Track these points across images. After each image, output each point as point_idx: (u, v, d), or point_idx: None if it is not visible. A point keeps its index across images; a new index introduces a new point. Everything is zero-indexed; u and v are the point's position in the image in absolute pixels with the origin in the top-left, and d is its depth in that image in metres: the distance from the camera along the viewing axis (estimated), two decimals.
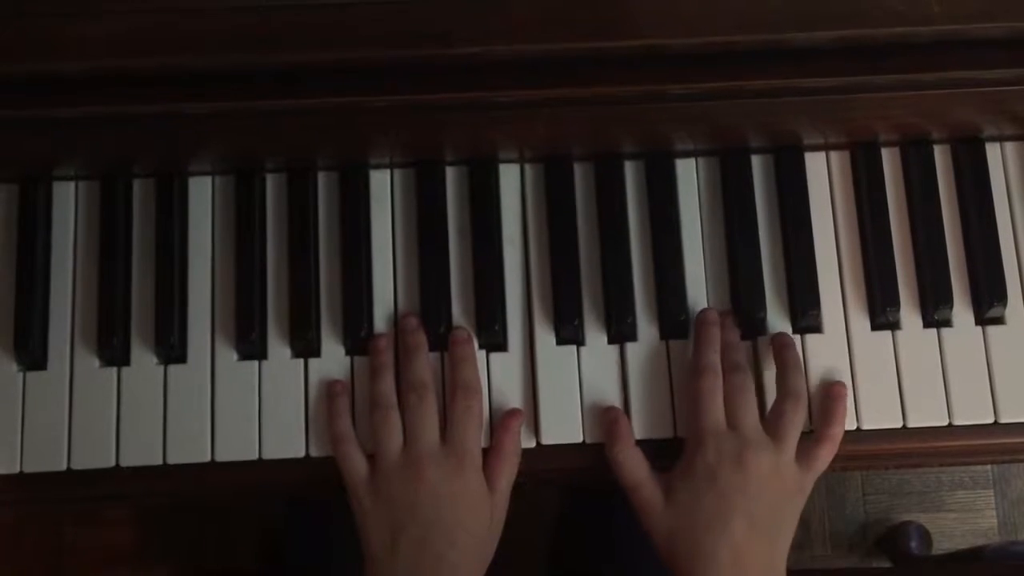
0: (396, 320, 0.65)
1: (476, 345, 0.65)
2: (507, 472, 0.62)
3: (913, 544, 1.29)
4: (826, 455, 0.62)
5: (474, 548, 0.60)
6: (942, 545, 1.32)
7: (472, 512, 0.60)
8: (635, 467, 0.61)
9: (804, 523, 1.28)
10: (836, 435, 0.62)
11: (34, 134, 0.61)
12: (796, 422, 0.61)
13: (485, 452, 0.62)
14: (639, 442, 0.63)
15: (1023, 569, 1.04)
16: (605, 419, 0.63)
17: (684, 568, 0.59)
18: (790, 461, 0.61)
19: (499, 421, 0.63)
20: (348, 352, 0.65)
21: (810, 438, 0.62)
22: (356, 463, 0.61)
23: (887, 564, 1.30)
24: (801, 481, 0.61)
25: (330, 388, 0.63)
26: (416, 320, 0.64)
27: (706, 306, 0.65)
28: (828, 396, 0.63)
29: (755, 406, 0.61)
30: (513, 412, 0.63)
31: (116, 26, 0.56)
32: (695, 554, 0.58)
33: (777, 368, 0.63)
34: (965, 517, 1.34)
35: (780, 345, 0.64)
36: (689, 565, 0.58)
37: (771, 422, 0.61)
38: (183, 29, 0.56)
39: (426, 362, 0.63)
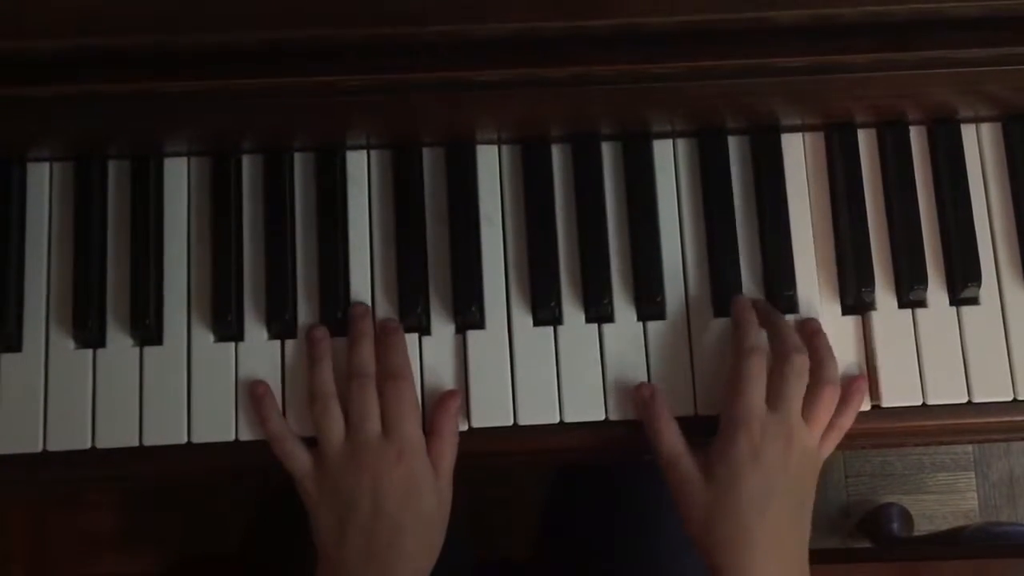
0: (373, 301, 0.65)
1: (455, 328, 0.65)
2: (448, 454, 0.62)
3: (895, 526, 1.30)
4: (835, 440, 0.63)
5: (424, 533, 0.61)
6: (923, 527, 1.33)
7: (418, 498, 0.60)
8: (673, 441, 0.61)
9: None
10: (846, 425, 0.63)
11: (5, 115, 0.60)
12: (830, 408, 0.62)
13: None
14: (617, 423, 0.64)
15: (1002, 549, 1.05)
16: (640, 394, 0.63)
17: (721, 546, 0.58)
18: (816, 444, 0.62)
19: (436, 403, 0.63)
20: None
21: None
22: (299, 459, 0.61)
23: (869, 545, 1.31)
24: (816, 466, 0.62)
25: (253, 391, 0.63)
26: (363, 307, 0.64)
27: (683, 288, 0.66)
28: (848, 387, 0.63)
29: (804, 390, 0.61)
30: (450, 393, 0.63)
31: (91, 3, 0.56)
32: (735, 531, 0.58)
33: (811, 355, 0.63)
34: (946, 499, 1.35)
35: (812, 332, 0.64)
36: (727, 544, 0.58)
37: (808, 407, 0.61)
38: (155, 7, 0.56)
39: (371, 350, 0.63)
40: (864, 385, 0.64)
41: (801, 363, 0.61)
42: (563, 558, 0.80)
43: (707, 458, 0.60)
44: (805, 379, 0.61)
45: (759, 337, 0.62)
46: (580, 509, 0.81)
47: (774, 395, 0.60)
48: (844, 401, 0.63)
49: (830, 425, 0.62)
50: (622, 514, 0.78)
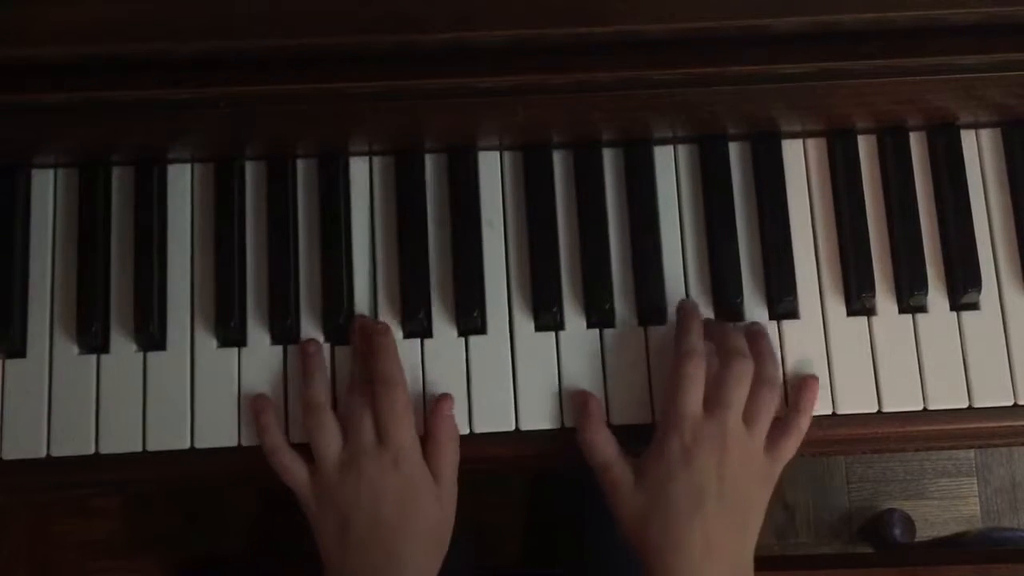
0: (375, 307, 0.66)
1: (456, 333, 0.65)
2: (447, 458, 0.62)
3: (896, 531, 1.30)
4: (792, 445, 0.62)
5: (426, 540, 0.60)
6: (925, 532, 1.33)
7: (417, 505, 0.60)
8: (604, 447, 0.61)
9: (788, 510, 1.28)
10: (803, 425, 0.62)
11: (10, 121, 0.60)
12: (770, 410, 0.61)
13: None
14: (617, 428, 0.64)
15: (1003, 554, 1.05)
16: (576, 401, 0.63)
17: (654, 550, 0.58)
18: (760, 448, 0.61)
19: (430, 408, 0.63)
20: (326, 339, 0.65)
21: (777, 427, 0.62)
22: (295, 472, 0.61)
23: (870, 551, 1.31)
24: (768, 470, 0.61)
25: (254, 404, 0.63)
26: (367, 320, 0.64)
27: (684, 293, 0.66)
28: (800, 386, 0.63)
29: (746, 395, 0.61)
30: (443, 397, 0.63)
31: (93, 12, 0.56)
32: (666, 536, 0.58)
33: (752, 356, 0.63)
34: (948, 504, 1.35)
35: (754, 334, 0.64)
36: (660, 547, 0.58)
37: (746, 409, 0.61)
38: (159, 15, 0.56)
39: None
40: (815, 383, 0.63)
41: (742, 368, 0.61)
42: (547, 560, 0.81)
43: (640, 461, 0.60)
44: (746, 385, 0.61)
45: (698, 340, 0.62)
46: (555, 511, 0.82)
47: (712, 399, 0.60)
48: (797, 400, 0.63)
49: (787, 426, 0.62)
50: (589, 515, 0.78)
